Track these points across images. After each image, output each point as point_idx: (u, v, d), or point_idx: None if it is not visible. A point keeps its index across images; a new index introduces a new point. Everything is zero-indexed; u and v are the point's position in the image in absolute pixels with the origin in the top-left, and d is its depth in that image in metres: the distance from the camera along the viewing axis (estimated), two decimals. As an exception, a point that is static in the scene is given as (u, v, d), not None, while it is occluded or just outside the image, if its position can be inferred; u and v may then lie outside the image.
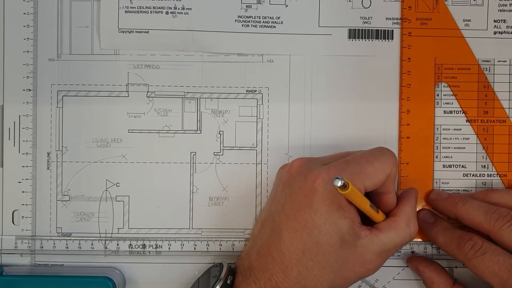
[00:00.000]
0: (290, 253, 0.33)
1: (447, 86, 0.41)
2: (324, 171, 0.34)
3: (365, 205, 0.34)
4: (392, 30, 0.41)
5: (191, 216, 0.41)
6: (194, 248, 0.41)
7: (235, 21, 0.41)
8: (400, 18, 0.41)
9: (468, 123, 0.41)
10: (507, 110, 0.41)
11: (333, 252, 0.33)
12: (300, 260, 0.33)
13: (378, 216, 0.35)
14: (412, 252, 0.41)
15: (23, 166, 0.41)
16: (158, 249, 0.41)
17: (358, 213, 0.34)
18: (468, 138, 0.41)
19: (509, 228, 0.34)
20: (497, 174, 0.41)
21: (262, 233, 0.35)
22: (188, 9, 0.41)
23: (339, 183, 0.29)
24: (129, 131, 0.41)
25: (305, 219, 0.33)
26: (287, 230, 0.34)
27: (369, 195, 0.36)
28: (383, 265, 0.40)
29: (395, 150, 0.40)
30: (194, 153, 0.41)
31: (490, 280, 0.34)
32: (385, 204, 0.36)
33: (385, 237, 0.34)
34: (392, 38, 0.41)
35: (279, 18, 0.41)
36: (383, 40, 0.41)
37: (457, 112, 0.41)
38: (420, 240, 0.40)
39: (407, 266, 0.41)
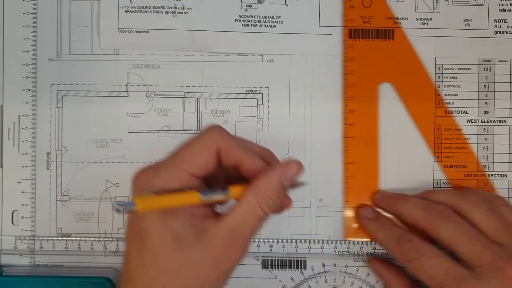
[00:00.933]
0: (133, 266, 0.30)
1: (447, 86, 0.41)
2: (141, 179, 0.31)
3: (194, 199, 0.30)
4: (393, 30, 0.41)
5: (191, 217, 0.41)
6: (194, 249, 0.41)
7: (235, 20, 0.41)
8: (344, 20, 0.41)
9: (468, 123, 0.41)
10: (507, 110, 0.41)
11: (170, 256, 0.29)
12: (143, 273, 0.30)
13: (234, 195, 0.31)
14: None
15: (23, 166, 0.41)
16: (158, 250, 0.41)
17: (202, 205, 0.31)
18: (469, 138, 0.41)
19: (445, 225, 0.35)
20: (498, 174, 0.41)
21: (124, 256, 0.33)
22: (188, 8, 0.41)
23: (120, 210, 0.27)
24: (129, 131, 0.41)
25: (138, 228, 0.30)
26: (128, 245, 0.31)
27: (233, 175, 0.33)
28: (384, 265, 0.40)
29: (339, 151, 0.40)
30: (194, 153, 0.41)
31: (428, 282, 0.35)
32: (250, 174, 0.32)
33: (231, 217, 0.30)
34: (393, 38, 0.41)
35: (279, 17, 0.41)
36: (384, 40, 0.41)
37: (458, 112, 0.41)
38: (369, 240, 0.40)
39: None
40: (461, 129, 0.41)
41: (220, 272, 0.30)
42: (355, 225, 0.40)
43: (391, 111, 0.41)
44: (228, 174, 0.33)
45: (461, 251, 0.34)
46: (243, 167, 0.32)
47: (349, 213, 0.40)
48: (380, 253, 0.40)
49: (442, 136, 0.41)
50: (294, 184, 0.33)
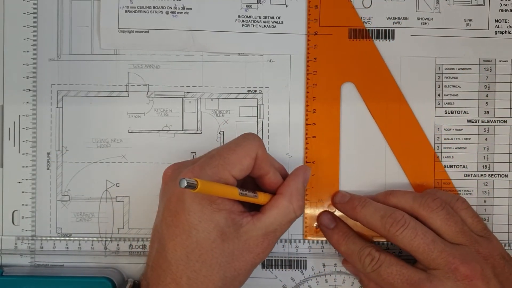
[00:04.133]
0: (175, 260, 0.33)
1: (448, 86, 0.41)
2: (189, 171, 0.33)
3: (234, 194, 0.33)
4: (393, 30, 0.41)
5: (191, 217, 0.41)
6: (194, 249, 0.41)
7: (236, 21, 0.41)
8: (309, 20, 0.41)
9: (469, 123, 0.41)
10: (508, 110, 0.41)
11: (215, 248, 0.33)
12: (186, 265, 0.33)
13: (260, 199, 0.35)
14: None
15: (23, 166, 0.41)
16: (158, 250, 0.41)
17: (238, 202, 0.34)
18: (469, 138, 0.41)
19: (402, 234, 0.35)
20: (498, 175, 0.41)
21: (152, 248, 0.35)
22: (188, 8, 0.41)
23: (184, 184, 0.28)
24: (129, 131, 0.41)
25: (182, 222, 0.33)
26: (169, 239, 0.33)
27: (254, 181, 0.36)
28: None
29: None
30: (194, 153, 0.41)
31: None
32: (270, 185, 0.36)
33: (267, 218, 0.34)
34: (393, 38, 0.41)
35: (279, 18, 0.41)
36: (384, 40, 0.41)
37: (458, 112, 0.41)
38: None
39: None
40: (462, 129, 0.41)
41: (253, 263, 0.34)
42: (315, 224, 0.40)
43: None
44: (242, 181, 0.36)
45: (419, 257, 0.35)
46: (265, 179, 0.35)
47: (309, 212, 0.40)
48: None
49: (442, 136, 0.41)
50: None
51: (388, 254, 0.36)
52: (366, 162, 0.41)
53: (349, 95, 0.41)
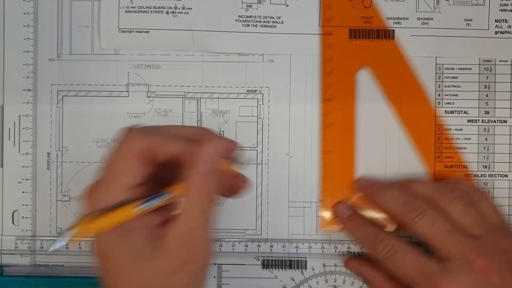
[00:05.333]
0: (106, 285, 0.31)
1: (448, 86, 0.41)
2: (87, 193, 0.31)
3: (127, 215, 0.29)
4: (393, 30, 0.41)
5: (191, 217, 0.41)
6: (195, 249, 0.41)
7: (236, 20, 0.41)
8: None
9: (469, 123, 0.41)
10: (508, 110, 0.41)
11: (135, 271, 0.29)
12: None
13: (178, 193, 0.30)
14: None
15: (23, 166, 0.41)
16: (158, 250, 0.41)
17: (151, 213, 0.30)
18: (470, 138, 0.41)
19: (421, 221, 0.35)
20: (498, 175, 0.41)
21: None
22: (189, 8, 0.41)
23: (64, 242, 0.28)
24: (129, 131, 0.41)
25: (100, 251, 0.31)
26: (99, 267, 0.31)
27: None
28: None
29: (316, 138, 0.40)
30: (194, 153, 0.41)
31: (402, 278, 0.35)
32: (185, 162, 0.30)
33: (181, 220, 0.30)
34: (393, 38, 0.41)
35: (279, 17, 0.41)
36: (384, 40, 0.41)
37: (458, 112, 0.41)
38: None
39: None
40: (462, 129, 0.41)
41: (189, 274, 0.30)
42: (330, 213, 0.40)
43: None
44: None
45: (435, 246, 0.35)
46: (174, 158, 0.30)
47: (326, 203, 0.40)
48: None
49: (443, 136, 0.41)
50: (236, 161, 0.33)
51: (404, 242, 0.36)
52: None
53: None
